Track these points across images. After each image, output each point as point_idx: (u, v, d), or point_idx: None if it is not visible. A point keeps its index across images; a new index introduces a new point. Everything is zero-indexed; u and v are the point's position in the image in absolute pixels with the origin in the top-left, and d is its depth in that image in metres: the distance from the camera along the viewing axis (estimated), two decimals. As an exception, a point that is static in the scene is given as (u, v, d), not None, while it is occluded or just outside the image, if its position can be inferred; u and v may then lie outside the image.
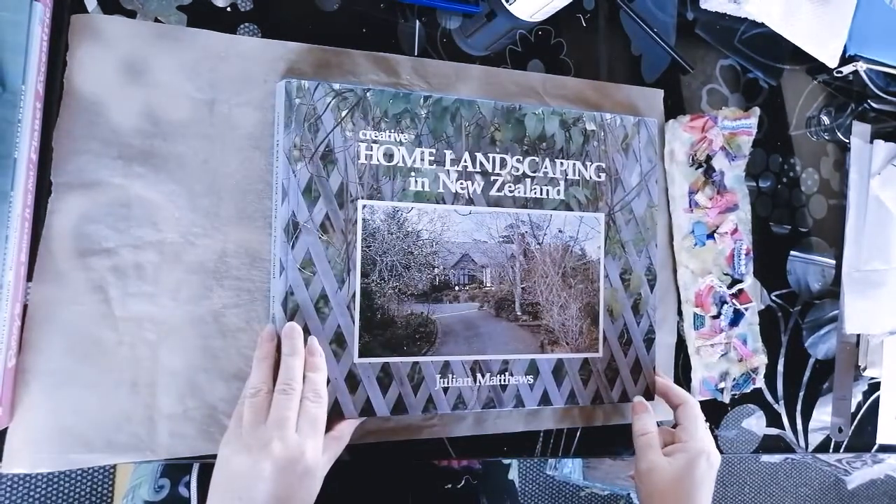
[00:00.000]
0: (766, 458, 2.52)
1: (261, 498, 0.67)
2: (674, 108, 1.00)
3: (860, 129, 1.12)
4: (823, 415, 1.11)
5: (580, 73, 0.95)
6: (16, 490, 1.77)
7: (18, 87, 0.68)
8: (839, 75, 1.07)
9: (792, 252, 1.09)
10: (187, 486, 0.99)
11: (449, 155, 0.84)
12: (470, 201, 0.84)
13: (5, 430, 0.70)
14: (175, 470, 1.01)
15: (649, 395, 0.94)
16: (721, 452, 1.03)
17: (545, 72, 0.93)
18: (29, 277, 0.72)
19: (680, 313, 0.99)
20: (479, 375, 0.85)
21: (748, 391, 1.02)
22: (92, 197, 0.74)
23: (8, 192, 0.67)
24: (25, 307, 0.71)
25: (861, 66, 1.06)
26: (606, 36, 0.98)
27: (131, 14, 0.76)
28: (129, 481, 1.07)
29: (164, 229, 0.76)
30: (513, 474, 1.21)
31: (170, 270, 0.76)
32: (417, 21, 0.88)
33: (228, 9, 0.80)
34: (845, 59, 1.06)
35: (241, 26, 0.80)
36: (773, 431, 1.08)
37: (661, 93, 0.99)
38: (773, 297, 1.07)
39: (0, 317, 0.67)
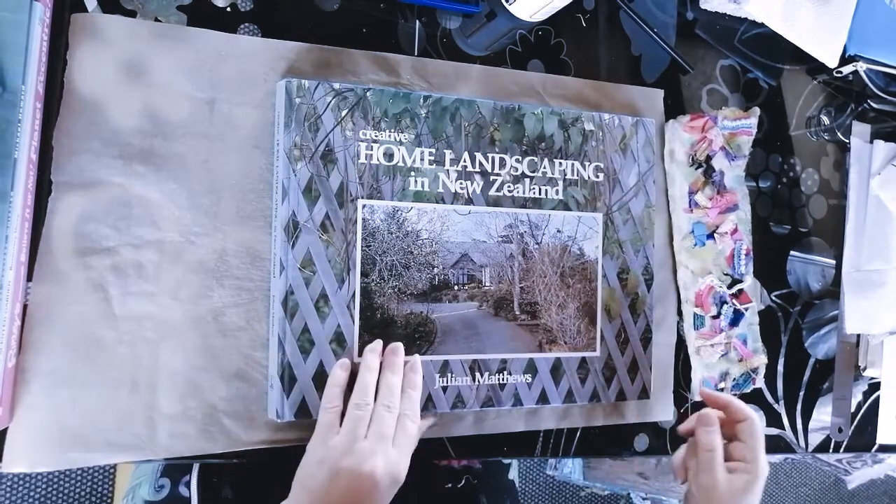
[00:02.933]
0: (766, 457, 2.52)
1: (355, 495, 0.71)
2: (674, 108, 1.00)
3: (860, 129, 1.12)
4: (823, 415, 1.11)
5: (580, 73, 0.96)
6: (16, 490, 1.77)
7: (18, 87, 0.68)
8: (839, 75, 1.07)
9: (792, 252, 1.09)
10: (187, 485, 0.99)
11: (448, 155, 0.84)
12: (469, 201, 0.85)
13: (5, 429, 0.70)
14: (175, 470, 1.01)
15: (646, 394, 0.94)
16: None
17: (545, 72, 0.94)
18: (29, 277, 0.72)
19: (680, 313, 0.99)
20: (477, 374, 0.85)
21: (748, 391, 1.02)
22: (92, 196, 0.74)
23: (8, 192, 0.67)
24: (25, 307, 0.71)
25: (861, 66, 1.06)
26: (606, 36, 0.98)
27: (131, 14, 0.76)
28: (130, 481, 1.07)
29: (164, 228, 0.76)
30: (513, 474, 1.21)
31: (170, 270, 0.76)
32: (417, 21, 0.88)
33: (228, 9, 0.80)
34: (845, 59, 1.06)
35: (242, 26, 0.80)
36: (774, 431, 1.08)
37: (661, 93, 0.99)
38: (773, 297, 1.08)
39: (0, 317, 0.67)
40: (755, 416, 0.84)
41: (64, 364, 0.72)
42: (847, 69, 1.06)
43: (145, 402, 0.75)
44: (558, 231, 0.89)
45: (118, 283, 0.74)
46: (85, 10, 0.75)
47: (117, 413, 0.74)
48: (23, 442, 0.71)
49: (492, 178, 0.86)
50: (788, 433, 1.09)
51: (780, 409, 1.08)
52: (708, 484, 0.81)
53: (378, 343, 0.80)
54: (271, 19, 0.82)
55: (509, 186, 0.86)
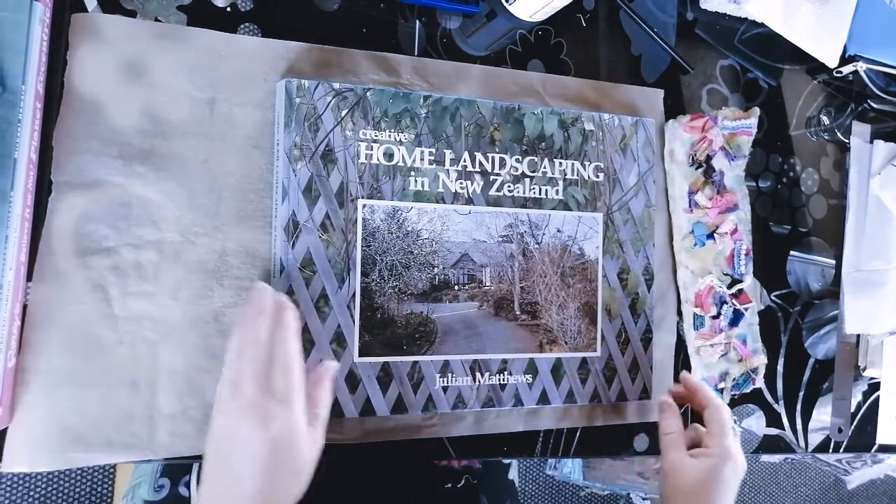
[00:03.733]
0: (766, 458, 2.52)
1: (243, 460, 0.66)
2: (674, 108, 1.00)
3: (860, 129, 1.12)
4: (823, 415, 1.11)
5: (580, 73, 0.95)
6: (15, 490, 1.77)
7: (18, 87, 0.67)
8: (839, 75, 1.07)
9: (792, 252, 1.09)
10: (187, 485, 0.99)
11: (448, 154, 0.84)
12: (469, 201, 0.85)
13: (5, 429, 0.70)
14: (175, 470, 1.01)
15: (646, 394, 0.94)
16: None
17: (545, 72, 0.93)
18: (29, 277, 0.72)
19: (680, 313, 0.99)
20: (478, 375, 0.85)
21: (748, 391, 1.02)
22: (92, 196, 0.74)
23: (8, 192, 0.67)
24: (25, 307, 0.71)
25: (861, 66, 1.06)
26: (606, 36, 0.98)
27: (131, 14, 0.76)
28: (129, 481, 1.07)
29: (164, 228, 0.76)
30: (513, 474, 1.21)
31: (170, 269, 0.76)
32: (417, 21, 0.88)
33: (228, 9, 0.80)
34: (845, 59, 1.06)
35: (242, 26, 0.80)
36: (773, 431, 1.08)
37: (661, 93, 0.99)
38: (773, 297, 1.07)
39: (0, 317, 0.67)
40: (720, 404, 0.85)
41: (64, 364, 0.72)
42: (847, 69, 1.06)
43: (145, 402, 0.75)
44: (558, 231, 0.89)
45: (118, 283, 0.74)
46: (85, 10, 0.75)
47: (117, 413, 0.74)
48: (23, 442, 0.71)
49: (492, 177, 0.86)
50: (788, 433, 1.09)
51: (780, 409, 1.08)
52: (669, 468, 0.83)
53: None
54: (271, 19, 0.81)
55: (509, 186, 0.86)
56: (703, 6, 1.02)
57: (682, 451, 0.83)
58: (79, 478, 1.83)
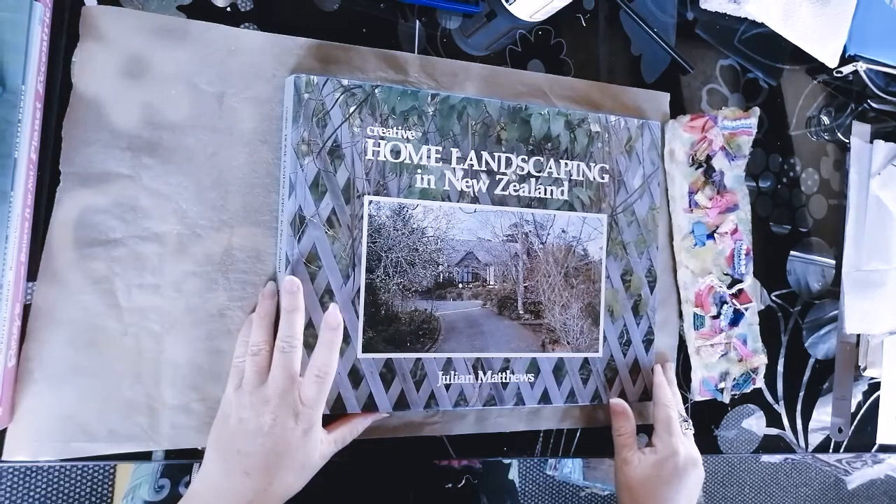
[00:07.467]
0: (766, 458, 2.53)
1: (259, 451, 0.69)
2: (674, 108, 1.00)
3: (860, 129, 1.13)
4: (823, 415, 1.11)
5: (580, 73, 0.96)
6: (16, 490, 1.76)
7: (18, 87, 0.68)
8: (839, 75, 1.08)
9: (792, 252, 1.10)
10: (187, 486, 0.98)
11: (455, 153, 0.84)
12: (475, 199, 0.85)
13: (5, 430, 0.70)
14: (175, 470, 1.01)
15: (647, 396, 0.94)
16: (720, 452, 1.03)
17: (545, 72, 0.93)
18: (29, 277, 0.71)
19: (680, 314, 0.99)
20: (480, 373, 0.85)
21: (748, 391, 1.02)
22: (100, 187, 0.74)
23: (8, 192, 0.67)
24: (27, 305, 0.71)
25: (861, 66, 1.07)
26: (606, 36, 0.98)
27: (131, 14, 0.76)
28: (130, 481, 1.07)
29: (170, 221, 0.76)
30: (513, 474, 1.21)
31: (175, 262, 0.76)
32: (417, 21, 0.88)
33: (228, 9, 0.80)
34: (845, 59, 1.06)
35: (242, 26, 0.80)
36: (773, 431, 1.08)
37: (667, 96, 0.99)
38: (773, 297, 1.08)
39: (0, 317, 0.67)
40: (665, 403, 0.92)
41: (68, 354, 0.72)
42: (847, 69, 1.07)
43: (148, 393, 0.75)
44: (563, 231, 0.89)
45: (124, 274, 0.74)
46: (85, 11, 0.75)
47: (120, 403, 0.74)
48: (25, 430, 0.71)
49: (498, 177, 0.86)
50: (788, 433, 1.09)
51: (780, 409, 1.08)
52: (620, 464, 0.90)
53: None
54: (271, 19, 0.81)
55: (515, 186, 0.86)
56: (703, 6, 1.02)
57: (631, 450, 0.90)
58: (79, 478, 1.82)
